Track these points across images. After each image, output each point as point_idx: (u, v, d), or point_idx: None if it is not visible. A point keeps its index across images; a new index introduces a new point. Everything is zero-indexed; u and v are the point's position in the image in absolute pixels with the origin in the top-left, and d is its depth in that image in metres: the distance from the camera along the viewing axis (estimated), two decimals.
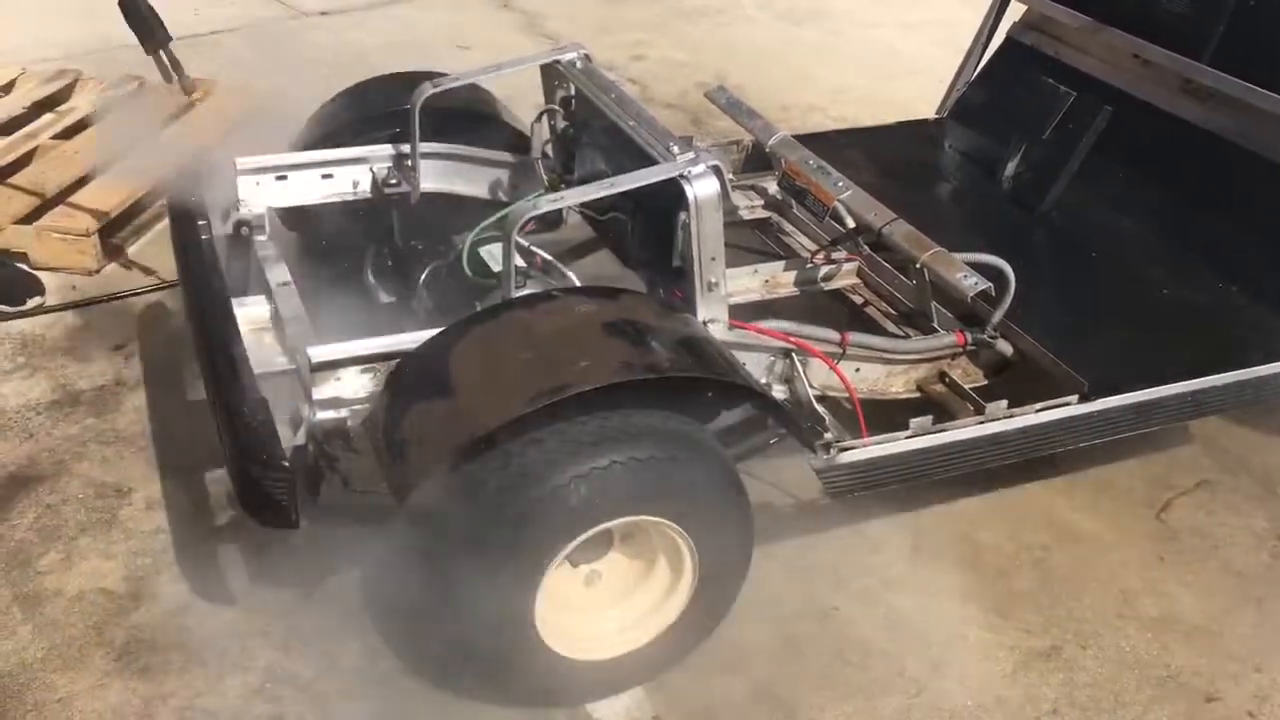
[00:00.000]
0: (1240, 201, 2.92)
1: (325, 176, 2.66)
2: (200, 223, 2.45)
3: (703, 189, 2.10)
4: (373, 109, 2.78)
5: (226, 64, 4.67)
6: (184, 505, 2.54)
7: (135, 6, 2.75)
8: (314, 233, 2.66)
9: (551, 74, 2.66)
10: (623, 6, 5.66)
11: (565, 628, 2.02)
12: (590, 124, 2.52)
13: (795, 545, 2.45)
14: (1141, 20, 3.13)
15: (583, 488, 1.83)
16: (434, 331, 1.98)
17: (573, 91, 2.62)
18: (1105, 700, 2.20)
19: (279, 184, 2.61)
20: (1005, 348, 2.48)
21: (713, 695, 2.16)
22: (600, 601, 2.10)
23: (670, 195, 2.15)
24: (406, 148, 2.65)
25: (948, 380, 2.47)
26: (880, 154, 3.32)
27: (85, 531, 2.46)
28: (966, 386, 2.43)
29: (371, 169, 2.68)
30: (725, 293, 2.19)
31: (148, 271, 3.32)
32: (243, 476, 1.83)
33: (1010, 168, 3.18)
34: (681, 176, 2.10)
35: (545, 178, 2.66)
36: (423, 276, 2.66)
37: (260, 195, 2.59)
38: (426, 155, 2.65)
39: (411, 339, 1.99)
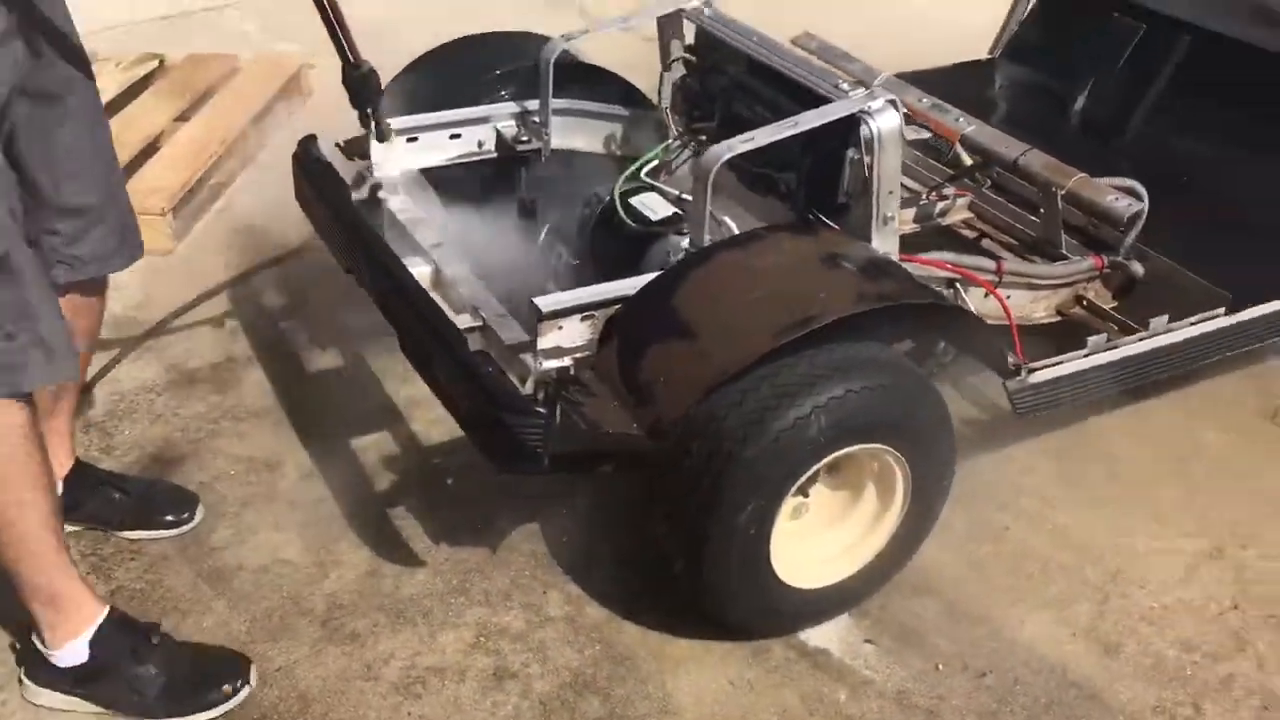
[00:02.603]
0: None
1: (453, 137, 2.64)
2: (343, 189, 2.43)
3: (885, 123, 2.13)
4: (481, 67, 2.76)
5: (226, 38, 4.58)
6: (338, 473, 2.52)
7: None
8: (444, 193, 2.63)
9: (670, 25, 2.67)
10: None
11: (784, 557, 2.06)
12: (727, 69, 2.53)
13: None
14: None
15: (823, 418, 1.88)
16: (650, 277, 2.00)
17: (692, 40, 2.64)
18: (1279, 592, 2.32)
19: (409, 145, 2.59)
20: (1137, 268, 2.58)
21: (913, 618, 2.23)
22: (808, 531, 2.14)
23: (838, 131, 2.19)
24: (530, 104, 2.65)
25: (1085, 303, 2.57)
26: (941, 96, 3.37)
27: (248, 506, 2.43)
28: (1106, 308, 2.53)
29: (496, 127, 2.67)
30: (897, 226, 2.25)
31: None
32: (494, 426, 1.83)
33: (1080, 103, 3.29)
34: (863, 112, 2.14)
35: (674, 129, 2.67)
36: (542, 234, 2.66)
37: (392, 159, 2.56)
38: (556, 112, 2.64)
39: (630, 285, 2.00)
